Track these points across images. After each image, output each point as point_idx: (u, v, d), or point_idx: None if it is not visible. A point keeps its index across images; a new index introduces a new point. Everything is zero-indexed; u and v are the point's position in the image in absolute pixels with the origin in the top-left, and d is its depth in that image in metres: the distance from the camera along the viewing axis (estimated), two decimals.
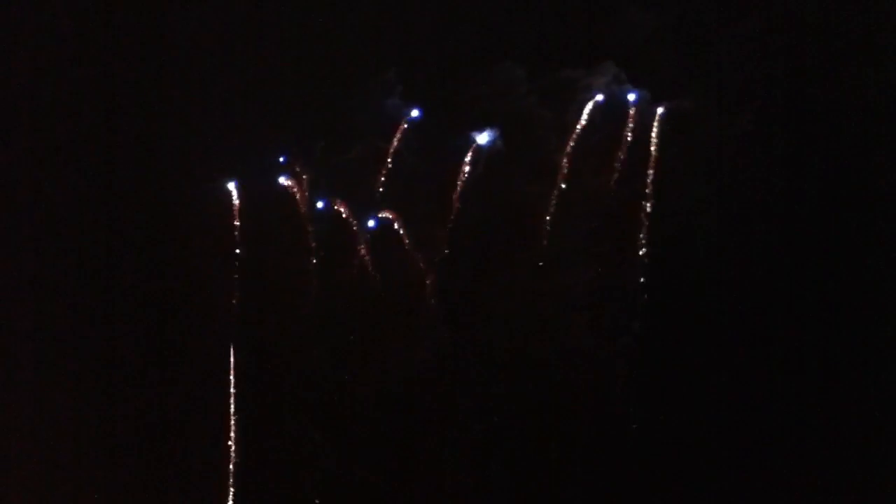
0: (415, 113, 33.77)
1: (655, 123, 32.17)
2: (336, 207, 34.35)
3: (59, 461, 35.01)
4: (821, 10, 32.01)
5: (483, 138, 33.28)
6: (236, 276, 34.57)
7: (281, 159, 34.54)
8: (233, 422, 34.20)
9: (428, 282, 33.91)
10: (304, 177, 34.49)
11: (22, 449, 35.07)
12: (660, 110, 32.18)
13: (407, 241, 33.98)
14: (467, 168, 33.43)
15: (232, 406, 34.24)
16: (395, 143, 33.96)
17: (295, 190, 34.47)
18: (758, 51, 31.92)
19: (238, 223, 34.64)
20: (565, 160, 32.87)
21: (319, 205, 34.46)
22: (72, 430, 35.20)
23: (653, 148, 32.20)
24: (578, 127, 32.66)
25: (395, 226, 34.06)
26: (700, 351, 32.48)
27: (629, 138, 32.46)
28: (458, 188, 33.51)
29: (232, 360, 34.41)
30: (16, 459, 35.00)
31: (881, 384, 31.96)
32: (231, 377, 34.37)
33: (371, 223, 34.23)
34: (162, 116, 35.06)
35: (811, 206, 32.25)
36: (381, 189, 34.20)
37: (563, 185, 32.91)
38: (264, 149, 34.61)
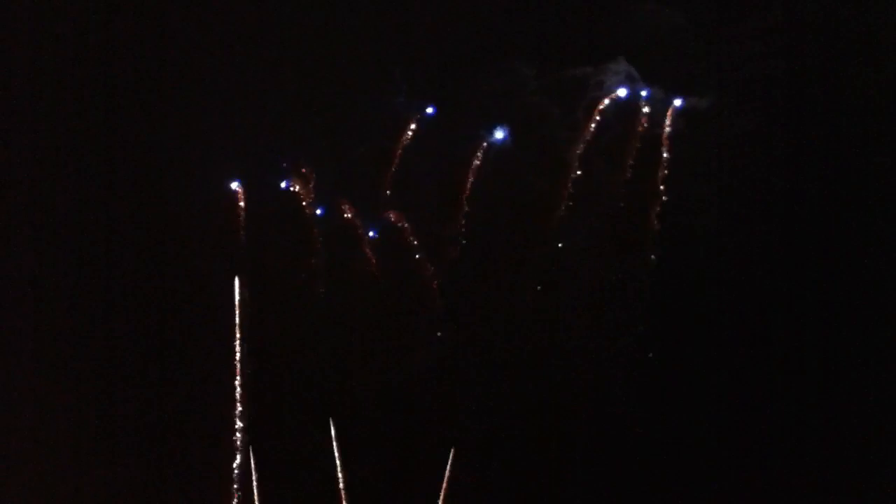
0: (429, 110, 33.73)
1: (667, 121, 32.18)
2: (342, 208, 34.27)
3: (60, 461, 34.77)
4: (836, 6, 32.02)
5: (492, 137, 33.29)
6: (241, 277, 34.46)
7: (286, 160, 34.52)
8: (238, 423, 34.10)
9: (435, 283, 33.84)
10: (310, 178, 34.47)
11: (22, 449, 34.79)
12: (671, 107, 32.23)
13: (414, 242, 33.92)
14: (476, 168, 33.41)
15: (237, 407, 34.13)
16: (402, 143, 33.93)
17: (301, 191, 34.44)
18: (771, 47, 31.93)
19: (243, 224, 34.58)
20: (576, 159, 32.83)
21: (318, 212, 34.44)
22: (73, 430, 35.01)
23: (664, 146, 32.17)
24: (590, 125, 32.59)
25: (402, 227, 34.01)
26: (709, 351, 32.42)
27: (640, 136, 32.40)
28: (467, 188, 33.46)
29: (237, 360, 34.33)
30: (15, 459, 34.73)
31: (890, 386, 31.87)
32: (236, 378, 34.27)
33: (377, 224, 34.19)
34: (167, 117, 35.00)
35: (827, 206, 32.23)
36: (387, 190, 34.16)
37: (574, 184, 32.84)
38: (269, 150, 34.60)
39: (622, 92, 32.44)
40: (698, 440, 32.59)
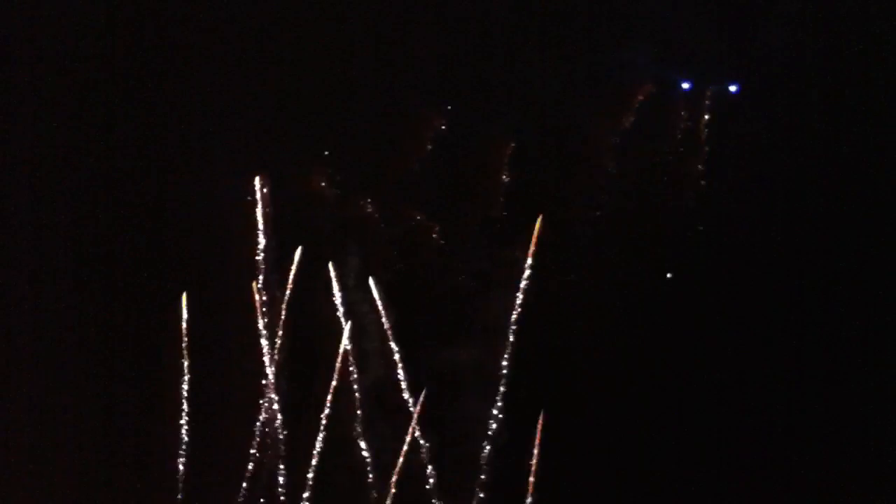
0: (450, 107, 33.64)
1: (706, 111, 31.88)
2: (366, 209, 34.06)
3: (70, 462, 34.12)
4: None
5: (521, 132, 33.16)
6: (261, 275, 34.03)
7: (307, 158, 34.22)
8: (267, 425, 33.56)
9: (461, 283, 33.67)
10: (332, 177, 34.26)
11: (22, 449, 34.08)
12: (710, 97, 31.81)
13: (441, 242, 33.76)
14: (504, 164, 33.37)
15: (267, 406, 33.53)
16: (428, 139, 33.85)
17: (323, 189, 34.23)
18: (814, 31, 31.57)
19: (263, 223, 34.14)
20: (609, 153, 32.86)
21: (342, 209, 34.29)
22: (74, 430, 34.42)
23: (703, 137, 31.97)
24: (624, 117, 32.52)
25: (426, 226, 33.89)
26: (754, 348, 31.94)
27: (678, 127, 32.39)
28: (495, 184, 33.40)
29: (266, 360, 33.80)
30: (15, 459, 33.97)
31: None
32: (262, 379, 33.73)
33: (400, 223, 34.01)
34: (186, 112, 34.46)
35: (873, 205, 31.53)
36: (410, 189, 33.99)
37: (608, 179, 32.85)
38: (291, 147, 34.16)
39: (659, 82, 31.94)
40: (726, 444, 32.28)
